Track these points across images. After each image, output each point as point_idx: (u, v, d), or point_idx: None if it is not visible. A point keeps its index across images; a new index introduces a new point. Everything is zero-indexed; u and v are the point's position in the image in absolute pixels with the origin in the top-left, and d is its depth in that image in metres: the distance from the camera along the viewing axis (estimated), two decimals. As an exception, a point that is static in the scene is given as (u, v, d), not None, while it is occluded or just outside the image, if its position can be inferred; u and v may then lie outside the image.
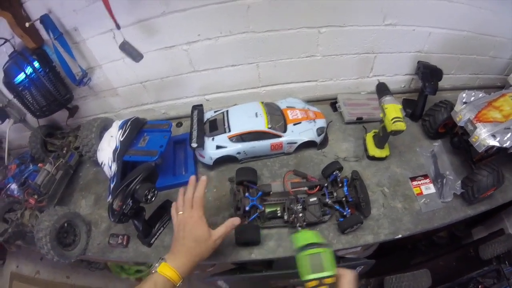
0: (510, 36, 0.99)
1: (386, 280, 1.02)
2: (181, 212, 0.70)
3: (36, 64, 0.87)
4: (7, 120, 1.04)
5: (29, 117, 1.05)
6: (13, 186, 0.91)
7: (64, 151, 1.02)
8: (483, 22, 0.94)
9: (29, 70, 0.87)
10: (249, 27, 0.87)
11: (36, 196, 0.87)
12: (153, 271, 0.61)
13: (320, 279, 0.47)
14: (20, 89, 0.88)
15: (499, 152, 0.84)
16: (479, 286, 1.08)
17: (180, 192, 0.74)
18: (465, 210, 0.84)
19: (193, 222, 0.67)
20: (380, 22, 0.90)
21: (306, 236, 0.53)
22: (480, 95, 0.87)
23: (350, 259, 0.92)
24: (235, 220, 0.71)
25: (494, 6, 0.89)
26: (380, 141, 0.91)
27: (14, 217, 0.86)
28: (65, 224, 0.81)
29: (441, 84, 0.96)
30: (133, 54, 0.83)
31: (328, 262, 0.48)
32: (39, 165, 0.92)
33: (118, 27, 0.78)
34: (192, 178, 0.74)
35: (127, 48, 0.82)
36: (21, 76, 0.87)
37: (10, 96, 0.94)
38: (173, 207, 0.73)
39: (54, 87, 0.93)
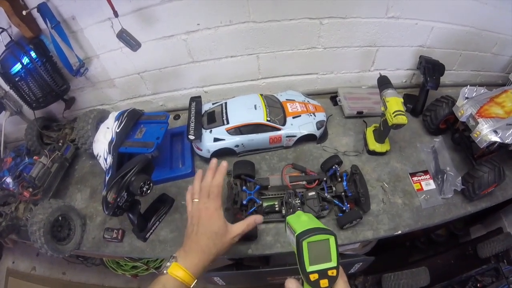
0: (513, 33, 0.98)
1: (384, 278, 1.01)
2: (196, 200, 0.64)
3: (33, 54, 0.86)
4: (3, 112, 1.03)
5: (26, 109, 1.04)
6: (9, 180, 0.89)
7: (60, 144, 1.01)
8: (486, 18, 0.93)
9: (25, 60, 0.86)
10: (249, 17, 0.86)
11: (30, 189, 0.86)
12: (164, 271, 0.55)
13: (326, 270, 0.41)
14: (16, 79, 0.87)
15: (501, 149, 0.83)
16: (478, 285, 1.07)
17: (197, 176, 0.68)
18: (466, 207, 0.83)
19: (209, 214, 0.61)
20: (382, 15, 0.89)
21: (303, 218, 0.47)
22: (482, 90, 0.86)
23: (349, 255, 0.91)
24: (258, 218, 0.66)
25: (498, 2, 0.88)
26: (380, 136, 0.90)
27: (8, 210, 0.85)
28: (60, 218, 0.80)
29: (442, 80, 0.95)
30: (131, 43, 0.81)
31: (334, 251, 0.42)
32: (34, 157, 0.91)
33: (116, 14, 0.77)
34: (214, 161, 0.68)
35: (124, 37, 0.80)
36: (18, 66, 0.86)
37: (6, 87, 0.93)
38: (189, 192, 0.67)
39: (51, 78, 0.92)
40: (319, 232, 0.42)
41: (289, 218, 0.49)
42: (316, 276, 0.41)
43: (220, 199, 0.64)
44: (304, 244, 0.41)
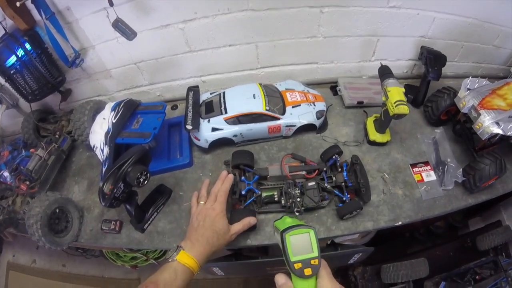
0: (515, 25, 0.97)
1: (383, 268, 1.01)
2: (202, 202, 0.73)
3: (28, 46, 0.85)
4: (-1, 105, 1.02)
5: (22, 102, 1.03)
6: (6, 173, 0.89)
7: (57, 136, 1.00)
8: (489, 10, 0.91)
9: (20, 52, 0.84)
10: (248, 5, 0.84)
11: (27, 182, 0.85)
12: (170, 260, 0.61)
13: (308, 260, 0.46)
14: (11, 72, 0.86)
15: (502, 141, 0.83)
16: (476, 277, 1.07)
17: (204, 184, 0.78)
18: (466, 199, 0.83)
19: (215, 215, 0.69)
20: (384, 4, 0.87)
21: (288, 220, 0.53)
22: (484, 82, 0.85)
23: (349, 246, 0.91)
24: (252, 220, 0.73)
25: (501, -6, 0.87)
26: (381, 126, 0.89)
27: (5, 204, 0.85)
28: (57, 210, 0.79)
29: (443, 71, 0.94)
30: (126, 32, 0.80)
31: (315, 243, 0.47)
32: (31, 150, 0.90)
33: (111, 4, 0.75)
34: (224, 172, 0.78)
35: (120, 26, 0.79)
36: (13, 59, 0.84)
37: (2, 80, 0.92)
38: (194, 196, 0.76)
39: (46, 70, 0.91)
40: (300, 227, 0.48)
41: (276, 222, 0.55)
42: (300, 265, 0.46)
43: (225, 204, 0.72)
44: (287, 238, 0.47)
